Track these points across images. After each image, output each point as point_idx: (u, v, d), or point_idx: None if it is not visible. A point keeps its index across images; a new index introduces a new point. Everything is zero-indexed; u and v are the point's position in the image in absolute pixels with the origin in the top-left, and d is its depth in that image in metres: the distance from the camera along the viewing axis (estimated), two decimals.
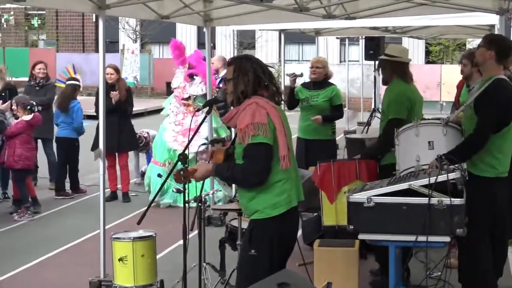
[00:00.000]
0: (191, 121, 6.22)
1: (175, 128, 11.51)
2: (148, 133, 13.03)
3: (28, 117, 10.70)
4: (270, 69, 5.18)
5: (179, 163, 5.21)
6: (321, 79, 9.74)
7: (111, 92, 11.23)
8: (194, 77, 11.54)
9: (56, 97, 12.47)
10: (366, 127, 18.50)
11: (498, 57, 5.98)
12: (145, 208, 5.38)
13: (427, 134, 6.12)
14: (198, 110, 5.64)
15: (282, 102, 5.24)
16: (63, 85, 12.89)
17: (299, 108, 9.94)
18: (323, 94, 9.66)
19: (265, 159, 4.89)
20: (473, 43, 27.16)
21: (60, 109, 12.03)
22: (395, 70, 7.27)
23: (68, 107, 11.99)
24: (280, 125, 4.94)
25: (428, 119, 6.90)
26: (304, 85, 9.95)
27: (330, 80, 9.93)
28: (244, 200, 5.09)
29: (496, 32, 10.12)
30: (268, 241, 4.95)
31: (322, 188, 7.30)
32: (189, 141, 5.46)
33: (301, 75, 9.97)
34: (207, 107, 5.50)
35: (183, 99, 11.52)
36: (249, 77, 4.99)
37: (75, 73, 13.47)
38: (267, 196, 4.94)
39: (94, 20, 39.19)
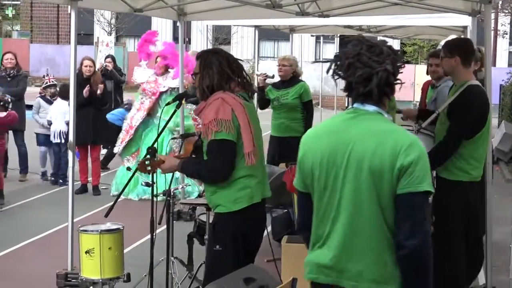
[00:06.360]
0: (160, 116, 6.21)
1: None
2: None
3: (1, 114, 10.55)
4: (242, 63, 5.18)
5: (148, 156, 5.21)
6: (289, 77, 9.68)
7: (87, 87, 11.23)
8: (169, 69, 11.44)
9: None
10: None
11: (463, 61, 5.87)
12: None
13: None
14: (168, 104, 5.60)
15: (255, 101, 5.25)
16: None
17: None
18: (293, 91, 9.61)
19: (227, 156, 4.86)
20: None
21: None
22: None
23: None
24: (245, 121, 4.89)
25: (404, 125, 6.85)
26: (274, 85, 9.91)
27: (301, 78, 9.92)
28: (207, 193, 5.10)
29: (468, 33, 10.17)
30: (231, 236, 4.95)
31: (294, 191, 7.29)
32: (159, 135, 5.46)
33: (273, 76, 9.95)
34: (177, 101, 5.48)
35: (160, 93, 11.37)
36: (213, 70, 4.97)
37: None
38: (228, 191, 4.92)
39: (69, 11, 39.01)
